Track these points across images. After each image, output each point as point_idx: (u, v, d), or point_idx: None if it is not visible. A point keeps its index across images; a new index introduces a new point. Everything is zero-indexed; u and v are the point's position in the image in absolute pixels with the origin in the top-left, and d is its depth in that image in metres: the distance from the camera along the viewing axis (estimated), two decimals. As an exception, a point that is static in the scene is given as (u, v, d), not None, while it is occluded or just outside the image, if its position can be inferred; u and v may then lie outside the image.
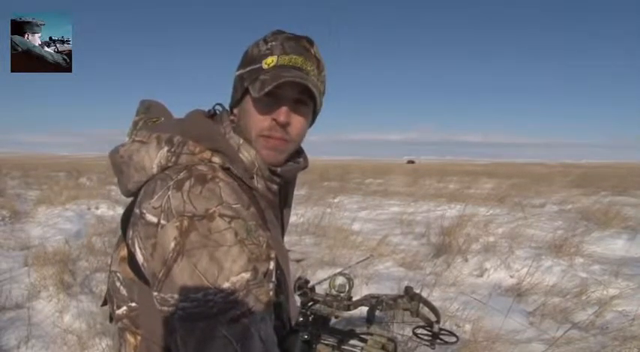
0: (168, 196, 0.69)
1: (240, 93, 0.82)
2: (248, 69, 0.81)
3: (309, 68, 0.80)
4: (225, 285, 0.65)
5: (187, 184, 0.69)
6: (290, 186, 0.96)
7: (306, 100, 0.80)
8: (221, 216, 0.67)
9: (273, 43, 0.80)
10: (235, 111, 0.85)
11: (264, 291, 0.69)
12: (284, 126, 0.79)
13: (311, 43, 0.82)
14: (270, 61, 0.78)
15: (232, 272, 0.65)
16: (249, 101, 0.80)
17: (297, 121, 0.81)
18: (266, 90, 0.74)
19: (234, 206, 0.70)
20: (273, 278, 0.73)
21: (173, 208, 0.67)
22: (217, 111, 0.88)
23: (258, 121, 0.79)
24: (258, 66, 0.79)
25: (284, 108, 0.78)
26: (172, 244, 0.66)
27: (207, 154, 0.76)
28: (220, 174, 0.73)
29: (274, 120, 0.79)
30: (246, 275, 0.66)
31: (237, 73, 0.84)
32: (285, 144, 0.81)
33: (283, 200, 0.94)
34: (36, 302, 3.18)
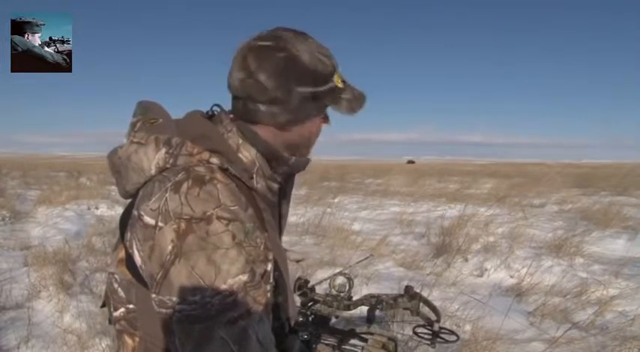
0: (166, 198, 0.68)
1: (309, 113, 0.81)
2: (323, 88, 0.80)
3: None
4: (223, 287, 0.65)
5: (185, 186, 0.69)
6: (289, 185, 0.95)
7: None
8: (219, 218, 0.67)
9: (327, 54, 0.81)
10: (293, 129, 0.82)
11: (261, 293, 0.69)
12: None
13: None
14: (337, 78, 0.82)
15: (230, 275, 0.65)
16: (317, 121, 0.84)
17: None
18: (357, 111, 0.82)
19: (232, 208, 0.69)
20: (271, 280, 0.73)
21: (171, 210, 0.67)
22: (215, 112, 0.87)
23: (316, 139, 0.87)
24: (332, 85, 0.81)
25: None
26: (170, 246, 0.66)
27: (205, 155, 0.75)
28: (218, 175, 0.73)
29: None
30: (244, 278, 0.66)
31: (305, 89, 0.78)
32: None
33: (282, 197, 0.94)
34: (36, 302, 3.17)
